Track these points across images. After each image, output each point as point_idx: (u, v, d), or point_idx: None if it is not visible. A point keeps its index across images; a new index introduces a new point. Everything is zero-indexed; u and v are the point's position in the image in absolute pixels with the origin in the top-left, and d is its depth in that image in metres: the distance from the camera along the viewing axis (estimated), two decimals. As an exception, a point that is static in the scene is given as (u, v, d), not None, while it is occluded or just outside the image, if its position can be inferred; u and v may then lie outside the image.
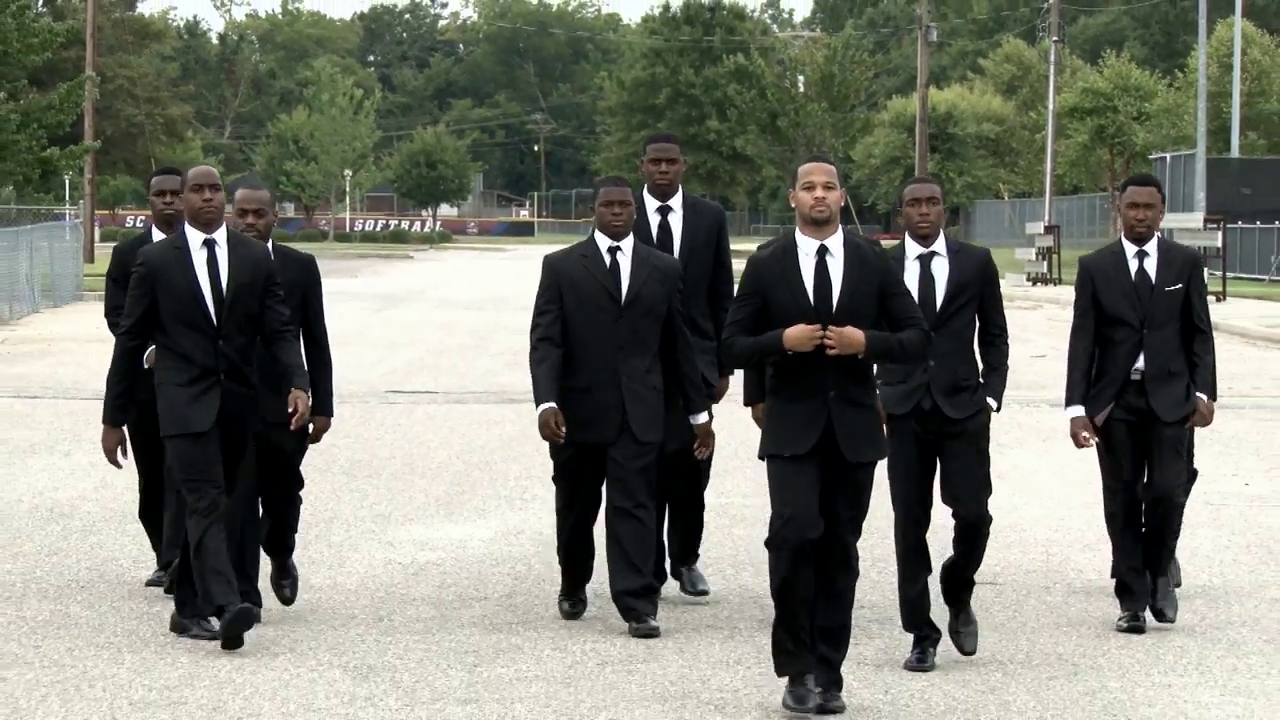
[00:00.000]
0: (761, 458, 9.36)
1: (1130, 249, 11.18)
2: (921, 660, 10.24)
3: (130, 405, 10.91)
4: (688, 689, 10.04)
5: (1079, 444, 11.19)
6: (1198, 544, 13.86)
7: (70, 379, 25.03)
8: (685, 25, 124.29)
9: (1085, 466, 18.25)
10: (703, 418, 11.21)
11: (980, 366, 10.41)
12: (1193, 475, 12.25)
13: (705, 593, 12.07)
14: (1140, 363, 11.09)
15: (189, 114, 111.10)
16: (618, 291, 11.01)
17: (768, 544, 9.15)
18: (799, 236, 9.22)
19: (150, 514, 12.40)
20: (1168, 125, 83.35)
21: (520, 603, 12.25)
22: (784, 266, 9.16)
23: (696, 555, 12.21)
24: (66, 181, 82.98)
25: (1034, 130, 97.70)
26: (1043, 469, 18.25)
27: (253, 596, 11.04)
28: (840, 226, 9.23)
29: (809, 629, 9.25)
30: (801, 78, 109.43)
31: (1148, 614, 11.24)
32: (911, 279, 10.10)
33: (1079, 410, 11.09)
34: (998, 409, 10.44)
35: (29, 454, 18.89)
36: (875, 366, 9.52)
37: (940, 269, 10.24)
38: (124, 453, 11.04)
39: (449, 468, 17.76)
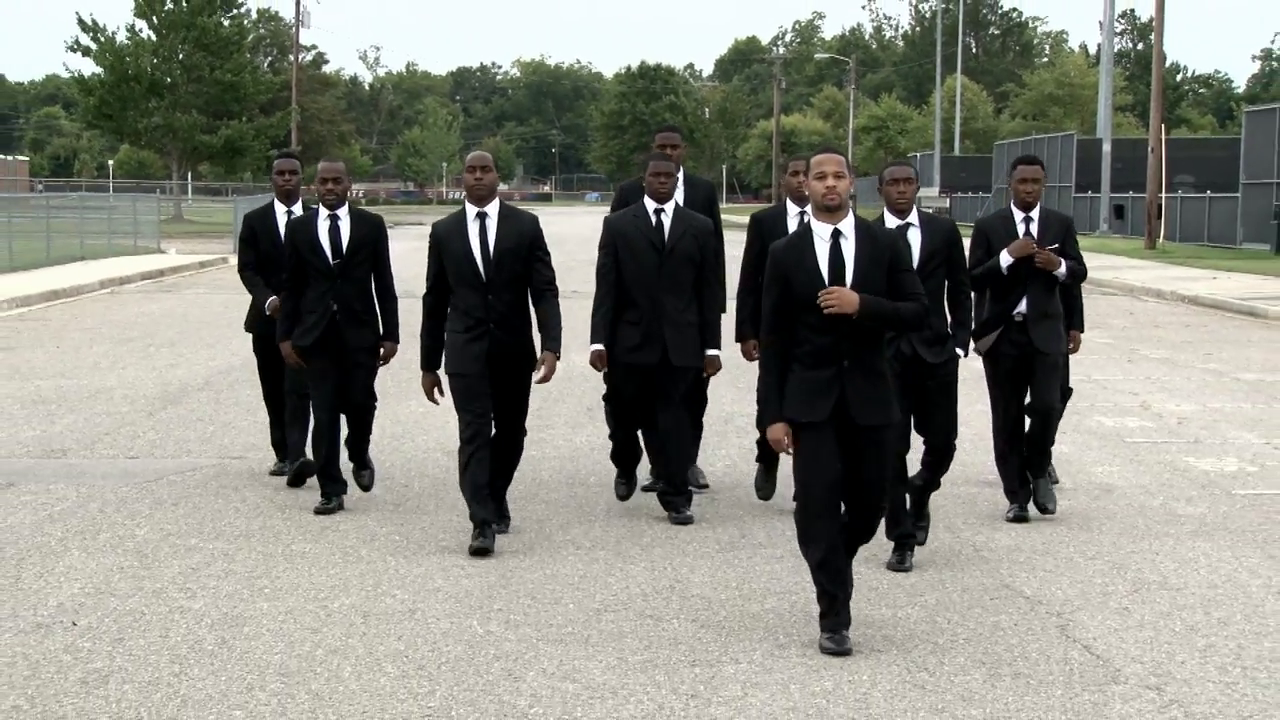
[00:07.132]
0: (776, 421, 6.04)
1: (1018, 214, 8.45)
2: (901, 561, 7.48)
3: (439, 355, 7.94)
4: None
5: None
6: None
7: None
8: (640, 79, 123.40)
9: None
10: (713, 351, 8.48)
11: (949, 320, 7.62)
12: (1068, 393, 9.37)
13: (705, 487, 9.37)
14: (1022, 306, 8.39)
15: (352, 130, 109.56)
16: (661, 243, 8.32)
17: (798, 514, 6.06)
18: (813, 223, 6.13)
19: (274, 423, 9.72)
20: (919, 137, 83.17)
21: (545, 412, 11.80)
22: (801, 252, 6.06)
23: (695, 454, 9.35)
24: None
25: (840, 140, 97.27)
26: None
27: (337, 479, 8.72)
28: (852, 210, 6.16)
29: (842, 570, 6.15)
30: (707, 110, 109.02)
31: (1031, 507, 8.66)
32: None
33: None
34: (964, 355, 7.64)
35: (257, 329, 18.40)
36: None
37: (915, 238, 7.43)
38: (440, 392, 8.00)
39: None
